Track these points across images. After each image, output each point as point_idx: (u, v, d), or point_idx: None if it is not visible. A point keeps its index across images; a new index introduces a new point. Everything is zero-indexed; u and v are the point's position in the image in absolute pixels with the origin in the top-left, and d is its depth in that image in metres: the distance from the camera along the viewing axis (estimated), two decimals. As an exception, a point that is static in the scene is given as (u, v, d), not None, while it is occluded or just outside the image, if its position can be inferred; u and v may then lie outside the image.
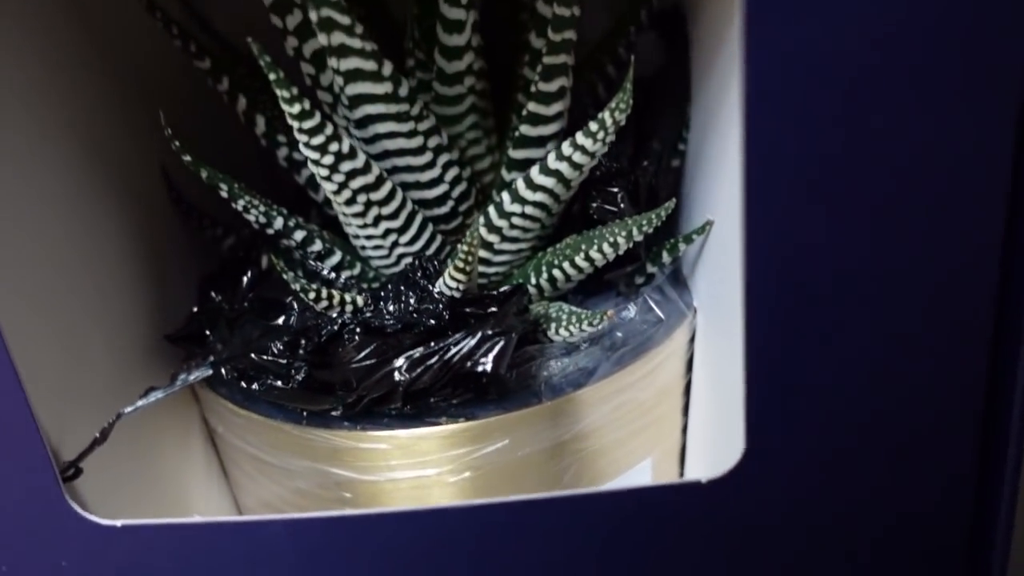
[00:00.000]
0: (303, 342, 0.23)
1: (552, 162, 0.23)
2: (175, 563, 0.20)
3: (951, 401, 0.19)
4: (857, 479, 0.19)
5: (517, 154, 0.24)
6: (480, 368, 0.21)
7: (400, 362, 0.22)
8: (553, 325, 0.24)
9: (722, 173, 0.21)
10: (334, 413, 0.23)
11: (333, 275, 0.25)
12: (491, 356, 0.22)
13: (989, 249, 0.18)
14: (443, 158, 0.24)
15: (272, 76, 0.20)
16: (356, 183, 0.22)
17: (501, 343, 0.22)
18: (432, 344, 0.22)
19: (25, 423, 0.19)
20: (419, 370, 0.22)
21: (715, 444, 0.24)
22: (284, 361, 0.23)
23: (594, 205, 0.25)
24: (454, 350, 0.22)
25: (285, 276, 0.23)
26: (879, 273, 0.18)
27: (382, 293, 0.23)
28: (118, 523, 0.20)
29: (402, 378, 0.22)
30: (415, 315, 0.23)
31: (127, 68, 0.26)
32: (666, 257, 0.25)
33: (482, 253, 0.25)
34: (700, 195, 0.25)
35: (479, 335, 0.22)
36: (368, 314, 0.23)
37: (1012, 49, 0.16)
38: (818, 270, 0.18)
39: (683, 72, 0.27)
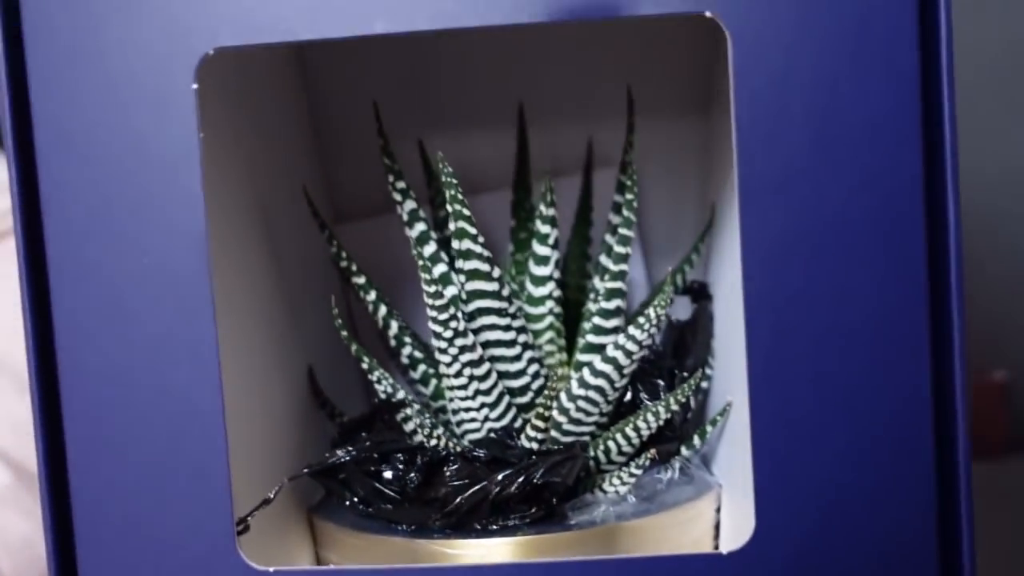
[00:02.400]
0: (414, 470, 0.30)
1: (610, 351, 0.31)
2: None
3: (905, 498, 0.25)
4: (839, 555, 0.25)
5: (583, 357, 0.33)
6: (556, 479, 0.28)
7: (496, 481, 0.28)
8: (607, 477, 0.30)
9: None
10: (436, 523, 0.29)
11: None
12: (563, 471, 0.28)
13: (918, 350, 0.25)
14: (528, 353, 0.32)
15: (424, 275, 0.29)
16: (464, 358, 0.31)
17: (570, 463, 0.28)
18: (516, 464, 0.29)
19: (223, 489, 0.26)
20: (506, 484, 0.28)
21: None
22: (396, 486, 0.30)
23: (641, 394, 0.32)
24: (534, 469, 0.28)
25: (413, 423, 0.30)
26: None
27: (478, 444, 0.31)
28: (271, 569, 0.26)
29: (492, 490, 0.28)
30: (501, 452, 0.29)
31: (299, 284, 0.36)
32: (697, 441, 0.32)
33: (552, 433, 0.32)
34: (720, 398, 0.33)
35: (554, 457, 0.29)
36: (465, 450, 0.30)
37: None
38: (810, 444, 0.25)
39: (710, 319, 0.36)
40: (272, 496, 0.28)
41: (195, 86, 0.25)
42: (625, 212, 0.31)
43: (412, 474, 0.29)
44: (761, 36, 0.24)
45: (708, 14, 0.24)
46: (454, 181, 0.29)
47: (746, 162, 0.25)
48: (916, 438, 0.25)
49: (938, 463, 0.25)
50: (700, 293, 0.37)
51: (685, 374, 0.34)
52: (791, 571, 0.25)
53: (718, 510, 0.32)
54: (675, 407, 0.31)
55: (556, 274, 0.33)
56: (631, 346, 0.31)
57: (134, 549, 0.26)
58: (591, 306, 0.34)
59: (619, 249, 0.31)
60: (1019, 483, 0.67)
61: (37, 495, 0.42)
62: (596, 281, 0.34)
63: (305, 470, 0.30)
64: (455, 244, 0.30)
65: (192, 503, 0.26)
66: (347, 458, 0.30)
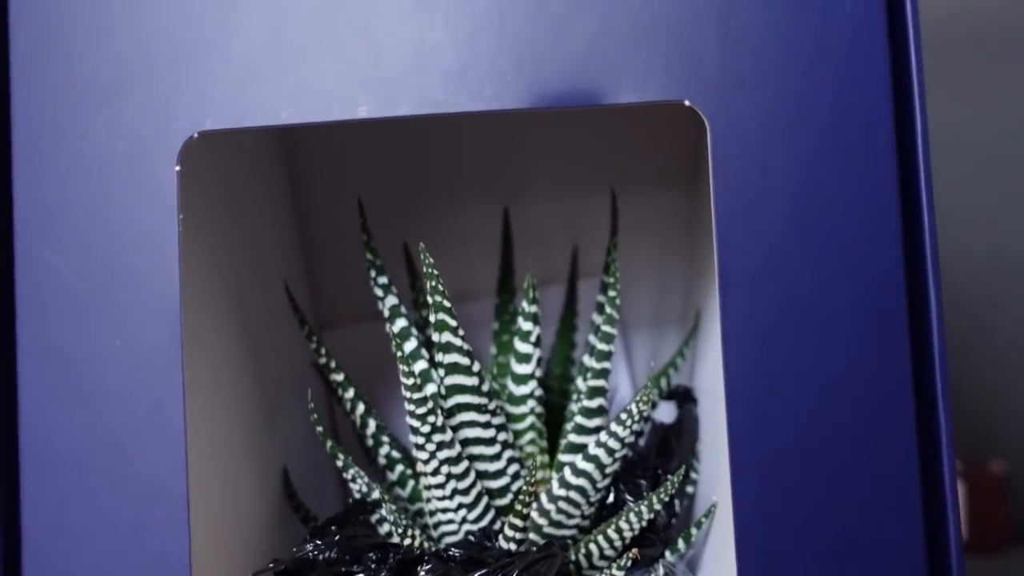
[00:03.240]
0: (385, 568, 0.28)
1: (592, 448, 0.30)
2: None
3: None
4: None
5: (564, 457, 0.32)
6: (532, 578, 0.27)
7: (467, 579, 0.27)
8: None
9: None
10: (407, 624, 0.27)
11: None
12: (541, 571, 0.27)
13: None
14: (508, 453, 0.31)
15: (403, 368, 0.29)
16: (442, 455, 0.30)
17: (548, 561, 0.27)
18: (492, 564, 0.27)
19: None
20: (481, 585, 0.27)
21: None
22: (368, 582, 0.28)
23: (624, 494, 0.31)
24: (511, 569, 0.27)
25: (389, 520, 0.29)
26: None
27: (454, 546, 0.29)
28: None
29: (467, 591, 0.27)
30: (478, 553, 0.28)
31: (272, 381, 0.35)
32: (682, 545, 0.31)
33: (532, 536, 0.31)
34: (706, 502, 0.32)
35: (531, 556, 0.27)
36: (441, 550, 0.29)
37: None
38: (795, 544, 0.24)
39: (695, 421, 0.35)
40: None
41: (178, 168, 0.25)
42: (608, 310, 0.31)
43: (383, 573, 0.28)
44: (739, 124, 0.25)
45: (687, 103, 0.25)
46: (435, 272, 0.29)
47: (725, 247, 0.25)
48: (905, 535, 0.24)
49: (930, 555, 0.24)
50: (685, 397, 0.37)
51: (669, 476, 0.33)
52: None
53: (705, 618, 0.30)
54: (658, 506, 0.30)
55: (538, 372, 0.33)
56: (613, 443, 0.30)
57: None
58: (573, 406, 0.33)
59: (601, 347, 0.31)
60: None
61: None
62: (579, 381, 0.34)
63: (271, 565, 0.29)
64: (435, 336, 0.30)
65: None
66: (316, 553, 0.29)
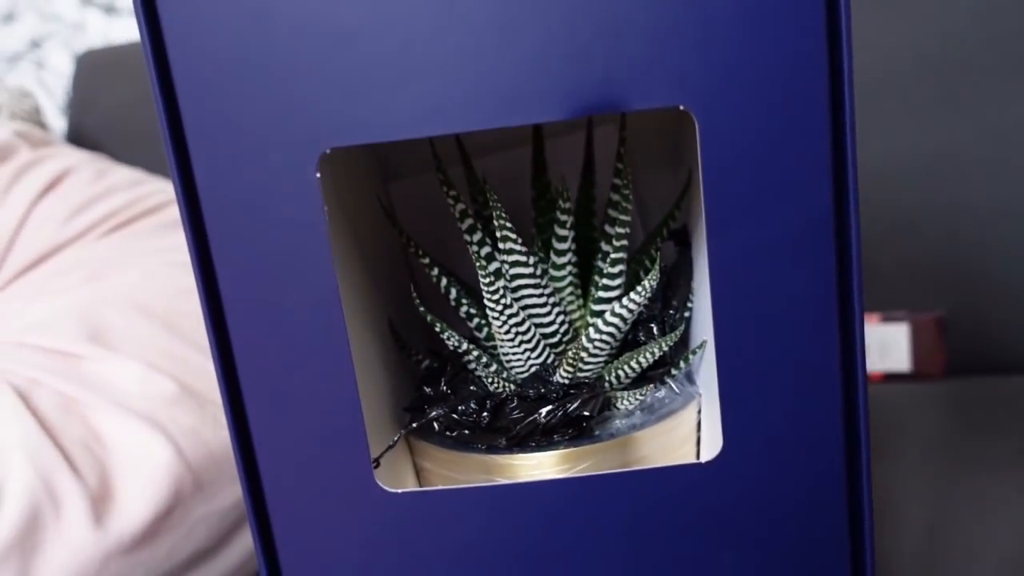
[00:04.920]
0: (484, 409, 0.42)
1: (617, 309, 0.42)
2: (430, 517, 0.38)
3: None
4: (777, 469, 0.37)
5: (596, 307, 0.44)
6: (585, 412, 0.40)
7: (541, 414, 0.41)
8: (620, 397, 0.43)
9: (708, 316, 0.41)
10: (502, 444, 0.41)
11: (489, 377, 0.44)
12: (589, 406, 0.40)
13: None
14: (556, 309, 0.44)
15: (477, 265, 0.40)
16: (511, 321, 0.42)
17: (595, 400, 0.41)
18: (557, 401, 0.41)
19: (361, 438, 0.38)
20: (550, 417, 0.41)
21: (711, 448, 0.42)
22: (472, 418, 0.42)
23: (640, 335, 0.44)
24: (569, 405, 0.41)
25: (480, 372, 0.42)
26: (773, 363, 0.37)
27: (527, 382, 0.43)
28: (399, 491, 0.38)
29: (541, 421, 0.40)
30: (543, 387, 0.42)
31: (379, 262, 0.47)
32: (682, 364, 0.45)
33: (578, 365, 0.44)
34: (700, 328, 0.44)
35: (583, 394, 0.41)
36: (518, 388, 0.42)
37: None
38: (754, 362, 0.37)
39: (689, 264, 0.47)
40: (394, 443, 0.41)
41: (318, 175, 0.35)
42: (622, 194, 0.42)
43: (484, 413, 0.42)
44: (719, 120, 0.34)
45: (682, 107, 0.34)
46: (499, 204, 0.40)
47: (711, 192, 0.35)
48: (829, 371, 0.37)
49: (846, 405, 0.37)
50: (681, 238, 0.48)
51: (672, 311, 0.46)
52: (750, 478, 0.37)
53: (699, 411, 0.44)
54: (666, 348, 0.43)
55: (573, 246, 0.44)
56: (632, 306, 0.42)
57: (306, 483, 0.39)
58: (600, 265, 0.45)
59: (619, 230, 0.42)
60: (957, 396, 0.81)
61: (197, 404, 0.56)
62: (603, 244, 0.45)
63: (413, 424, 0.43)
64: (501, 245, 0.41)
65: (339, 445, 0.38)
66: (441, 413, 0.42)
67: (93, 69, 1.27)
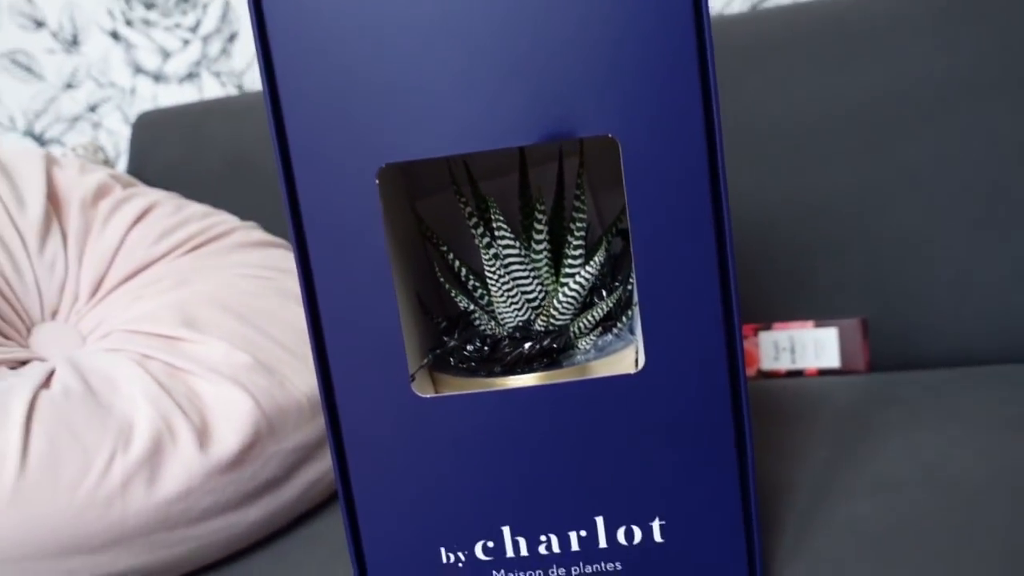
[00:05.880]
0: (485, 346, 0.60)
1: (577, 279, 0.61)
2: (445, 412, 0.56)
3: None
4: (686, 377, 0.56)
5: (563, 280, 0.63)
6: (554, 346, 0.59)
7: (525, 347, 0.59)
8: (580, 341, 0.61)
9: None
10: (498, 370, 0.59)
11: (490, 326, 0.63)
12: (558, 341, 0.59)
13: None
14: (536, 279, 0.62)
15: (482, 251, 0.59)
16: (505, 288, 0.61)
17: (560, 337, 0.59)
18: (535, 339, 0.59)
19: (401, 355, 0.56)
20: (531, 350, 0.59)
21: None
22: (478, 354, 0.60)
23: (595, 299, 0.63)
24: (544, 340, 0.59)
25: (480, 322, 0.61)
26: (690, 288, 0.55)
27: (515, 329, 0.61)
28: (428, 396, 0.56)
29: (525, 353, 0.59)
30: (527, 333, 0.60)
31: (408, 247, 0.66)
32: (624, 319, 0.63)
33: (552, 319, 0.62)
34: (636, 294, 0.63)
35: (553, 334, 0.59)
36: (509, 333, 0.61)
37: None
38: (673, 308, 0.55)
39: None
40: (425, 363, 0.59)
41: (377, 181, 0.54)
42: (581, 201, 0.60)
43: (484, 348, 0.60)
44: (639, 145, 0.53)
45: (610, 135, 0.53)
46: (496, 210, 0.59)
47: (631, 196, 0.54)
48: (713, 319, 0.55)
49: (728, 344, 0.55)
50: (626, 235, 0.67)
51: (617, 283, 0.64)
52: (663, 386, 0.56)
53: (636, 351, 0.63)
54: (610, 305, 0.61)
55: (547, 236, 0.63)
56: (587, 276, 0.61)
57: (362, 392, 0.57)
58: (566, 251, 0.64)
59: (579, 225, 0.61)
60: (874, 384, 0.98)
61: (268, 372, 0.74)
62: (569, 237, 0.64)
63: (436, 351, 0.61)
64: (497, 235, 0.60)
65: (387, 367, 0.56)
66: (453, 344, 0.61)
67: (149, 128, 1.47)
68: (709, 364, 0.55)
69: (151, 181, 1.40)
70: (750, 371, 1.08)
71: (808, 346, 1.07)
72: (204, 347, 0.77)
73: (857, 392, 0.96)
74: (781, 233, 1.10)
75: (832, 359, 1.06)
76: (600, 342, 0.62)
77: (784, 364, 1.07)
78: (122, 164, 1.62)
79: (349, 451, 0.57)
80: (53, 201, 0.92)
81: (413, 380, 0.58)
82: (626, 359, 0.62)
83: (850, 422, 0.87)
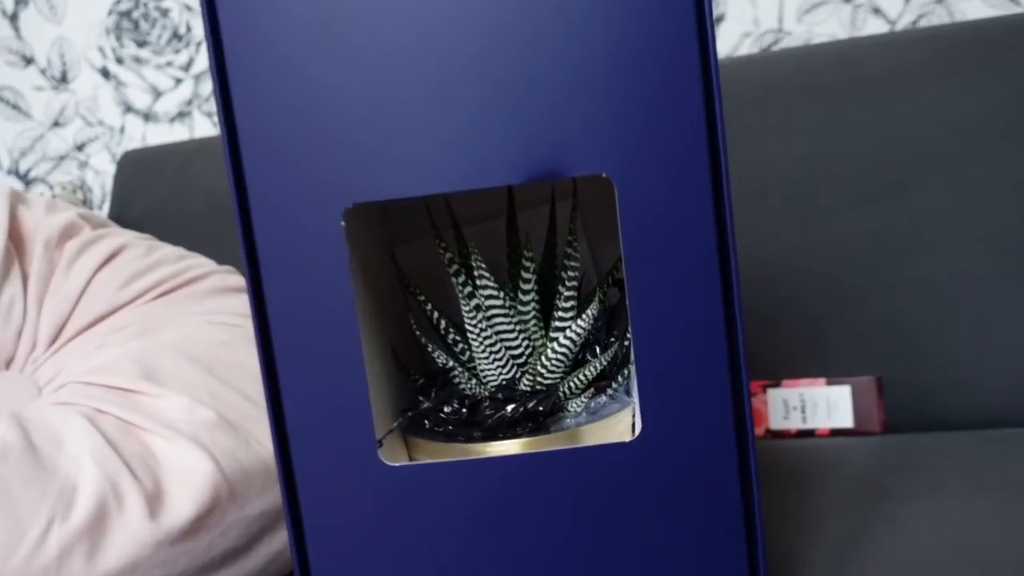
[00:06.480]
0: (464, 407, 0.54)
1: (568, 333, 0.55)
2: (416, 483, 0.50)
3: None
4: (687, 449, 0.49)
5: (553, 334, 0.57)
6: (540, 408, 0.52)
7: (508, 409, 0.53)
8: (570, 402, 0.55)
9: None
10: (477, 435, 0.53)
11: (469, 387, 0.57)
12: (545, 403, 0.53)
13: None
14: (522, 334, 0.56)
15: (462, 301, 0.53)
16: (486, 343, 0.55)
17: (548, 399, 0.53)
18: (519, 400, 0.53)
19: (369, 425, 0.50)
20: (515, 412, 0.53)
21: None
22: (456, 416, 0.54)
23: (589, 356, 0.57)
24: (529, 402, 0.53)
25: (460, 381, 0.55)
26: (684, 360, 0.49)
27: (498, 389, 0.55)
28: (397, 464, 0.50)
29: (507, 416, 0.53)
30: (511, 393, 0.54)
31: (385, 297, 0.60)
32: (620, 379, 0.57)
33: (539, 378, 0.56)
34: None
35: (540, 395, 0.53)
36: (491, 394, 0.54)
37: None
38: (667, 386, 0.49)
39: (628, 303, 0.60)
40: (395, 426, 0.53)
41: (343, 223, 0.48)
42: (573, 247, 0.55)
43: (463, 410, 0.54)
44: (637, 187, 0.47)
45: (604, 175, 0.47)
46: (479, 257, 0.53)
47: (627, 241, 0.48)
48: (719, 380, 0.49)
49: (736, 407, 0.49)
50: (623, 285, 0.61)
51: (613, 339, 0.58)
52: (663, 454, 0.49)
53: (633, 415, 0.56)
54: (605, 363, 0.55)
55: (535, 286, 0.57)
56: (579, 330, 0.55)
57: (323, 458, 0.50)
58: (557, 302, 0.58)
59: (571, 274, 0.55)
60: (891, 446, 0.92)
61: (232, 430, 0.68)
62: (559, 287, 0.58)
63: (409, 413, 0.55)
64: (478, 282, 0.54)
65: (352, 432, 0.50)
66: (427, 405, 0.54)
67: (133, 167, 1.42)
68: (714, 428, 0.49)
69: (133, 222, 1.35)
70: (758, 430, 1.01)
71: (820, 405, 1.01)
72: (163, 401, 0.70)
73: (872, 455, 0.90)
74: (790, 284, 1.04)
75: (845, 419, 1.00)
76: (592, 404, 0.56)
77: (795, 423, 1.00)
78: (108, 206, 1.56)
79: (308, 528, 0.51)
80: (15, 241, 0.87)
81: (381, 446, 0.51)
82: (621, 424, 0.56)
83: (865, 489, 0.80)
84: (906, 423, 1.01)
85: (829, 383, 1.01)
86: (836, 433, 1.01)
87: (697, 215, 0.48)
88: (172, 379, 0.73)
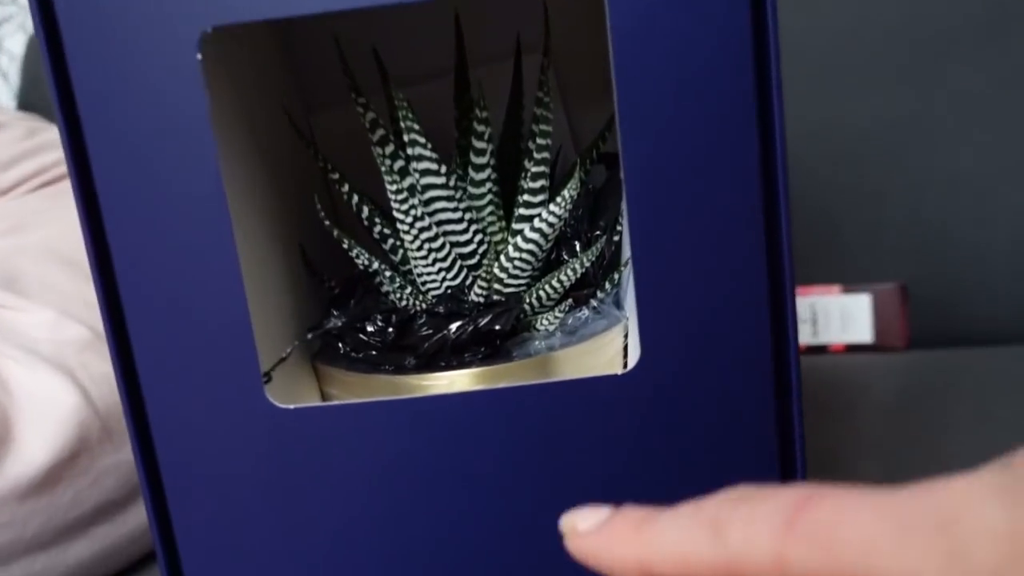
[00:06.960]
0: (390, 325, 0.39)
1: (536, 223, 0.40)
2: (322, 432, 0.35)
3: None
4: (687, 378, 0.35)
5: (517, 226, 0.42)
6: (497, 327, 0.37)
7: (452, 328, 0.38)
8: (539, 318, 0.40)
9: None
10: (411, 363, 0.38)
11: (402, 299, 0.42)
12: (502, 320, 0.38)
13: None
14: (473, 226, 0.41)
15: (388, 179, 0.37)
16: (423, 236, 0.39)
17: (507, 313, 0.38)
18: (467, 316, 0.38)
19: (250, 350, 0.35)
20: (460, 332, 0.38)
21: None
22: (381, 338, 0.39)
23: (564, 254, 0.41)
24: (480, 319, 0.38)
25: (389, 289, 0.39)
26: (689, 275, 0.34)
27: (440, 300, 0.40)
28: (291, 407, 0.35)
29: (451, 337, 0.38)
30: (456, 307, 0.39)
31: (287, 182, 0.44)
32: (607, 285, 0.42)
33: (496, 285, 0.41)
34: (626, 249, 0.42)
35: (496, 308, 0.38)
36: (431, 306, 0.39)
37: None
38: (673, 282, 0.34)
39: (620, 183, 0.44)
40: (287, 354, 0.38)
41: (199, 56, 0.32)
42: (545, 106, 0.39)
43: (390, 329, 0.39)
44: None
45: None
46: (406, 104, 0.37)
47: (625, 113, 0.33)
48: (754, 283, 0.35)
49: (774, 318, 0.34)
50: (612, 162, 0.46)
51: (598, 232, 0.43)
52: (665, 387, 0.35)
53: (626, 336, 0.42)
54: (588, 264, 0.40)
55: (492, 160, 0.42)
56: (552, 219, 0.39)
57: (185, 398, 0.36)
58: (522, 183, 0.42)
59: (541, 141, 0.40)
60: (919, 367, 0.79)
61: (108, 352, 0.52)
62: (526, 162, 0.43)
63: (309, 334, 0.40)
64: (409, 151, 0.38)
65: (227, 360, 0.35)
66: (340, 322, 0.39)
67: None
68: (743, 354, 0.35)
69: (43, 109, 1.17)
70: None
71: (833, 316, 0.86)
72: (25, 316, 0.55)
73: (898, 376, 0.76)
74: (802, 176, 0.89)
75: (863, 333, 0.86)
76: (570, 321, 0.41)
77: (804, 338, 0.87)
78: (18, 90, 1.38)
79: (170, 493, 0.36)
80: None
81: (269, 380, 0.36)
82: (610, 347, 0.41)
83: (898, 418, 0.66)
84: (933, 337, 0.88)
85: (845, 291, 0.87)
86: (851, 349, 0.87)
87: (728, 46, 0.32)
88: (38, 288, 0.57)
